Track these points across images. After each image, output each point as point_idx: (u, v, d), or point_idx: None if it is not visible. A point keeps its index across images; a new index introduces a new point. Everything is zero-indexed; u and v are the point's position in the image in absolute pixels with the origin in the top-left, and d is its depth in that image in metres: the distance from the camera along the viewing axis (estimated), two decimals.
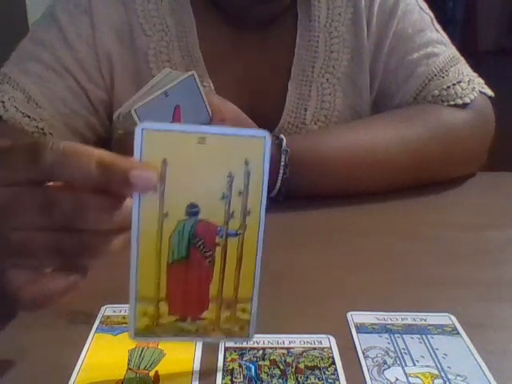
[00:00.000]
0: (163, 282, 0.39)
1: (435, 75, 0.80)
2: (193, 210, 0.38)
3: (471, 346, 0.46)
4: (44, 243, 0.38)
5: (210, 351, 0.45)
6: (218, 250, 0.39)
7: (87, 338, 0.46)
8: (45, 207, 0.37)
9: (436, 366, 0.44)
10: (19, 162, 0.37)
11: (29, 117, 0.74)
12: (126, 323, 0.48)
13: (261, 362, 0.43)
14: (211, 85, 0.79)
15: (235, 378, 0.42)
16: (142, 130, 0.36)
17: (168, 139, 0.37)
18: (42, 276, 0.39)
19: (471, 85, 0.80)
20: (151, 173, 0.36)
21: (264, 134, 0.38)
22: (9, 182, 0.37)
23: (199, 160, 0.37)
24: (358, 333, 0.47)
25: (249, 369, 0.43)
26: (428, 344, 0.46)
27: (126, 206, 0.37)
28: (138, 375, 0.42)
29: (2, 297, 0.39)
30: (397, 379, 0.42)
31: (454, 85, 0.79)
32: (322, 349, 0.45)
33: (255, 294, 0.41)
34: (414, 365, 0.44)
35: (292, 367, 0.43)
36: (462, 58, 0.83)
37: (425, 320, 0.49)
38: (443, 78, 0.80)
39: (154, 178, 0.36)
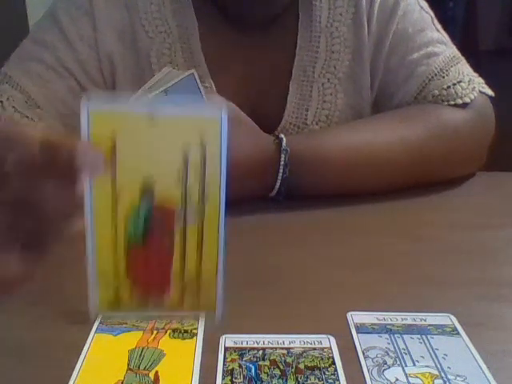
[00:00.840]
0: (122, 266, 0.37)
1: (435, 75, 0.80)
2: (147, 193, 0.36)
3: (471, 346, 0.46)
4: None
5: (209, 351, 0.45)
6: (177, 234, 0.37)
7: (87, 338, 0.46)
8: None
9: (436, 366, 0.44)
10: None
11: (27, 117, 0.74)
12: (126, 323, 0.48)
13: (261, 362, 0.43)
14: (213, 86, 0.78)
15: (235, 378, 0.42)
16: (88, 109, 0.34)
17: (116, 118, 0.34)
18: None
19: (471, 85, 0.80)
20: (98, 153, 0.33)
21: (219, 111, 0.35)
22: None
23: (151, 140, 0.35)
24: (357, 333, 0.47)
25: (249, 369, 0.43)
26: (428, 344, 0.46)
27: (80, 188, 0.35)
28: (137, 375, 0.42)
29: None
30: (397, 379, 0.42)
31: (454, 84, 0.79)
32: (322, 349, 0.45)
33: (220, 278, 0.39)
34: (414, 365, 0.44)
35: (292, 367, 0.43)
36: (462, 58, 0.83)
37: (425, 320, 0.49)
38: (443, 77, 0.80)
39: (101, 159, 0.34)
